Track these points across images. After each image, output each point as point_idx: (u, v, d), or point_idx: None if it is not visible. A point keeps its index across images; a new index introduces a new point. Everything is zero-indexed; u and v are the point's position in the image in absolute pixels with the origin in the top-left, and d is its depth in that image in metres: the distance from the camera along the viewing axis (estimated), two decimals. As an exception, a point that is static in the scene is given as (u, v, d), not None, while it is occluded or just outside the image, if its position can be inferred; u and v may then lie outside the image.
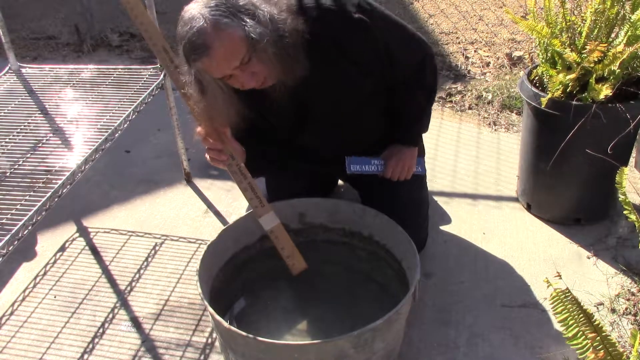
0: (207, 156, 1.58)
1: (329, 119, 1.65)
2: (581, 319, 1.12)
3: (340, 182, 2.15)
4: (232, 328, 1.30)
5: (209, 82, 1.38)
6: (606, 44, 1.72)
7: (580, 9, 1.90)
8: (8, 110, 1.98)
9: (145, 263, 1.95)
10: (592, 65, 1.72)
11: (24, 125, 1.89)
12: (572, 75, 1.73)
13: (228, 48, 1.28)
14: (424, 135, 1.80)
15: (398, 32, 1.57)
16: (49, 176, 1.61)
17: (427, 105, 1.73)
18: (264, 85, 1.42)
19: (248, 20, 1.29)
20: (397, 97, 1.69)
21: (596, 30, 1.79)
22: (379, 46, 1.51)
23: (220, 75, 1.36)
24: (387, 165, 1.73)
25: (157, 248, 2.01)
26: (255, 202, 1.58)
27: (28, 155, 1.73)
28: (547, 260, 1.86)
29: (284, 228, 1.60)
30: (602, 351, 1.09)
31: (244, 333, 1.28)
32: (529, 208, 2.07)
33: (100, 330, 1.71)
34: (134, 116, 1.90)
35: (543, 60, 1.86)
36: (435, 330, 1.65)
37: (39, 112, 1.96)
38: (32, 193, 1.53)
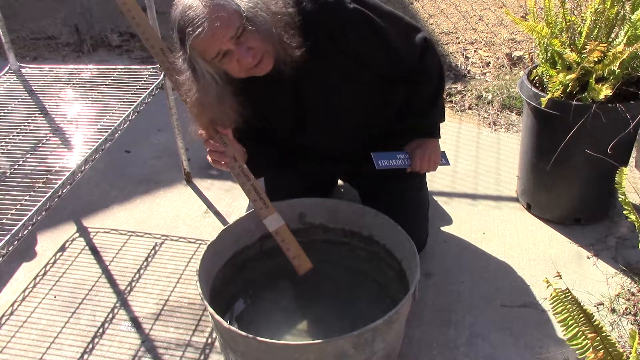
0: (209, 158, 1.57)
1: (328, 114, 1.65)
2: (581, 319, 1.12)
3: (340, 182, 2.15)
4: (232, 328, 1.30)
5: (203, 72, 1.38)
6: (606, 44, 1.72)
7: (580, 9, 1.90)
8: (8, 110, 1.98)
9: (145, 263, 1.95)
10: (592, 65, 1.72)
11: (24, 125, 1.89)
12: (572, 75, 1.73)
13: (223, 18, 1.30)
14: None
15: (394, 22, 1.56)
16: (49, 176, 1.61)
17: (437, 92, 1.70)
18: (262, 66, 1.40)
19: None
20: (406, 89, 1.68)
21: (596, 30, 1.79)
22: (376, 37, 1.51)
23: (215, 51, 1.34)
24: (414, 159, 1.71)
25: (157, 248, 2.01)
26: (260, 204, 1.57)
27: (28, 155, 1.73)
28: (547, 260, 1.86)
29: (289, 229, 1.60)
30: (602, 351, 1.09)
31: (244, 333, 1.28)
32: (529, 208, 2.07)
33: (100, 330, 1.71)
34: (134, 116, 1.90)
35: (543, 60, 1.86)
36: (435, 330, 1.65)
37: (39, 112, 1.96)
38: (32, 193, 1.53)
